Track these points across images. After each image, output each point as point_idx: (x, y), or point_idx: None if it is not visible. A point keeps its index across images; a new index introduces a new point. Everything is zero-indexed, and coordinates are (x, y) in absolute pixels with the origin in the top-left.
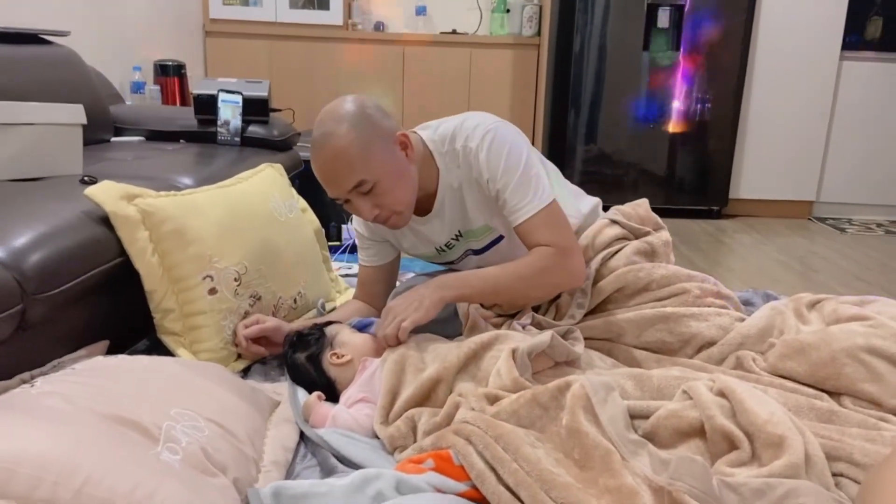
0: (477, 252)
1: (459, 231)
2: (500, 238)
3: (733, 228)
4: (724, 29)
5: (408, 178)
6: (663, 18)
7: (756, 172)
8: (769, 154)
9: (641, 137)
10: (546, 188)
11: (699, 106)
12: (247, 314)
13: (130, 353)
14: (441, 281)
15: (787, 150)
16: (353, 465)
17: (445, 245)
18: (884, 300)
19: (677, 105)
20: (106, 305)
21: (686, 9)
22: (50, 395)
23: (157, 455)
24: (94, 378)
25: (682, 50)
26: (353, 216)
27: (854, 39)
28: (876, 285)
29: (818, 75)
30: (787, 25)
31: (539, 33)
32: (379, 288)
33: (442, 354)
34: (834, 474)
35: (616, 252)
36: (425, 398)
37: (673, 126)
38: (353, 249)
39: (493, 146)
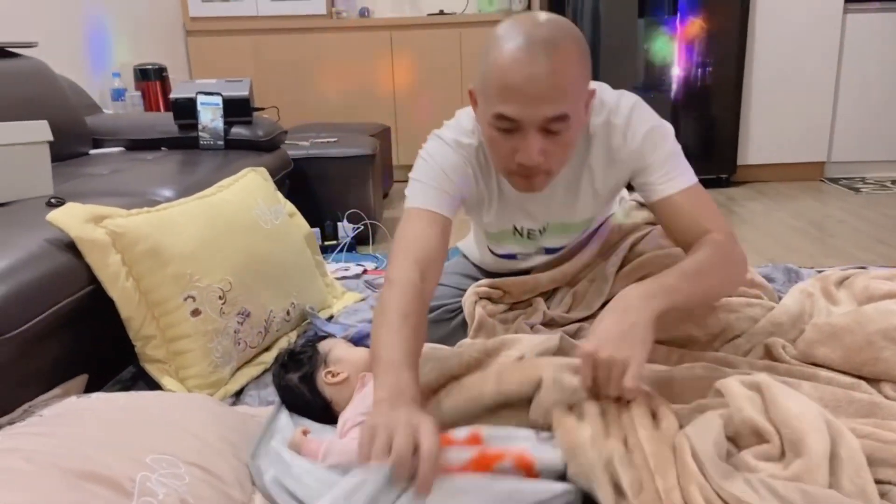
0: (553, 251)
1: (547, 224)
2: (588, 229)
3: (743, 196)
4: None
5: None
6: None
7: (763, 136)
8: (776, 116)
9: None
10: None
11: (700, 71)
12: (237, 332)
13: (115, 383)
14: (645, 290)
15: (794, 111)
16: None
17: (529, 232)
18: None
19: (677, 71)
20: (82, 337)
21: None
22: (9, 454)
23: None
24: (61, 426)
25: (679, 13)
26: (435, 156)
27: None
28: None
29: (822, 30)
30: None
31: (529, 6)
32: (444, 242)
33: (441, 364)
34: (881, 481)
35: (644, 236)
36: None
37: (674, 94)
38: (350, 248)
39: (641, 118)
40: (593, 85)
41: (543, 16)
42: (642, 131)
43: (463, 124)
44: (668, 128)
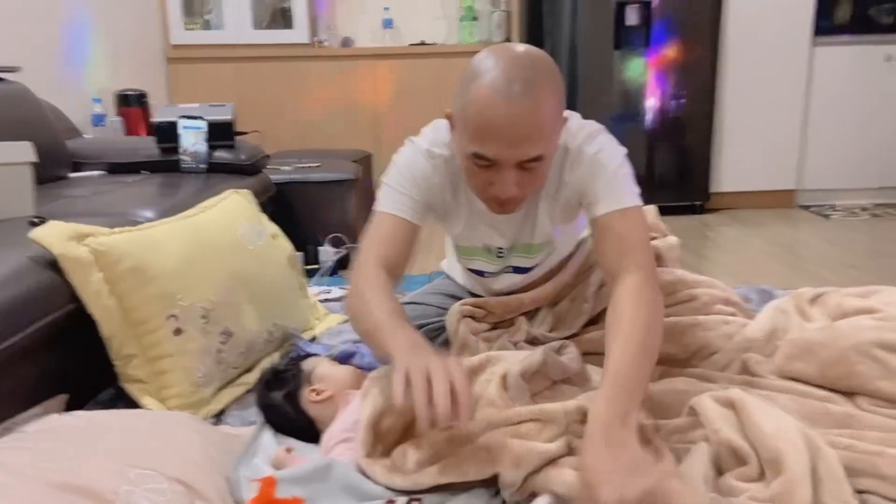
0: (520, 270)
1: (515, 242)
2: (551, 252)
3: (717, 222)
4: (693, 23)
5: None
6: (632, 16)
7: (736, 164)
8: (748, 145)
9: (618, 137)
10: (638, 194)
11: (674, 102)
12: (219, 351)
13: (93, 405)
14: (617, 412)
15: (765, 140)
16: None
17: (498, 250)
18: (888, 289)
19: (652, 102)
20: (62, 356)
21: (654, 5)
22: None
23: None
24: (44, 441)
25: (652, 47)
26: (406, 163)
27: (824, 24)
28: (868, 271)
29: (791, 62)
30: (757, 14)
31: (509, 39)
32: (405, 247)
33: None
34: (860, 491)
35: None
36: (409, 427)
37: (649, 124)
38: (332, 272)
39: (595, 142)
40: (565, 114)
41: (521, 50)
42: (590, 153)
43: (439, 134)
44: (619, 150)
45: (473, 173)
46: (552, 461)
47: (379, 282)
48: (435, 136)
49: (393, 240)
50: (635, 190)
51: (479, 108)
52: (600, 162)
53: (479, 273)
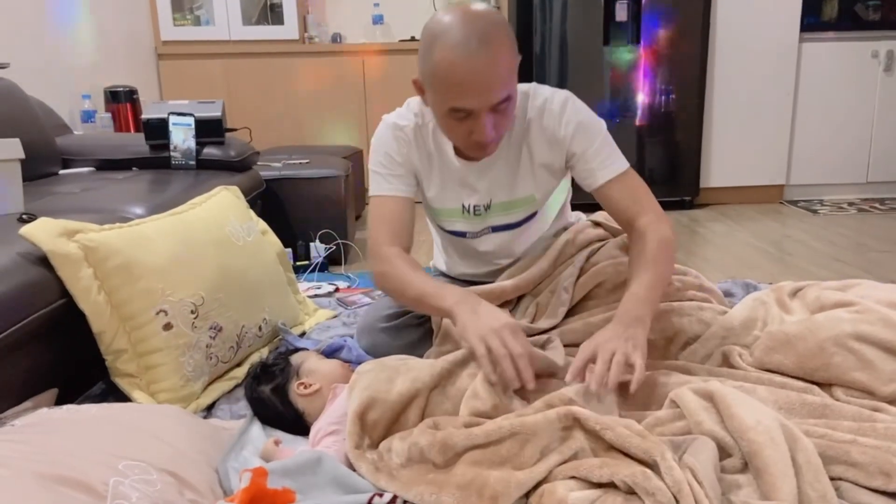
0: (501, 228)
1: (491, 200)
2: (534, 214)
3: (706, 217)
4: (682, 19)
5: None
6: (621, 12)
7: (725, 160)
8: (736, 141)
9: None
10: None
11: (663, 97)
12: (209, 346)
13: (84, 399)
14: (630, 315)
15: (753, 136)
16: None
17: (475, 209)
18: (866, 283)
19: (642, 98)
20: (52, 351)
21: (643, 1)
22: None
23: None
24: (34, 434)
25: (642, 42)
26: (379, 143)
27: (812, 21)
28: (854, 265)
29: (779, 58)
30: (746, 11)
31: None
32: (409, 221)
33: (413, 374)
34: (833, 478)
35: (598, 249)
36: (395, 420)
37: (639, 119)
38: (322, 268)
39: (575, 107)
40: (529, 86)
41: (470, 7)
42: (575, 120)
43: (404, 108)
44: (600, 120)
45: (452, 127)
46: (536, 485)
47: (402, 257)
48: (403, 108)
49: (392, 218)
50: (621, 154)
51: (447, 68)
52: (588, 129)
53: (462, 234)
